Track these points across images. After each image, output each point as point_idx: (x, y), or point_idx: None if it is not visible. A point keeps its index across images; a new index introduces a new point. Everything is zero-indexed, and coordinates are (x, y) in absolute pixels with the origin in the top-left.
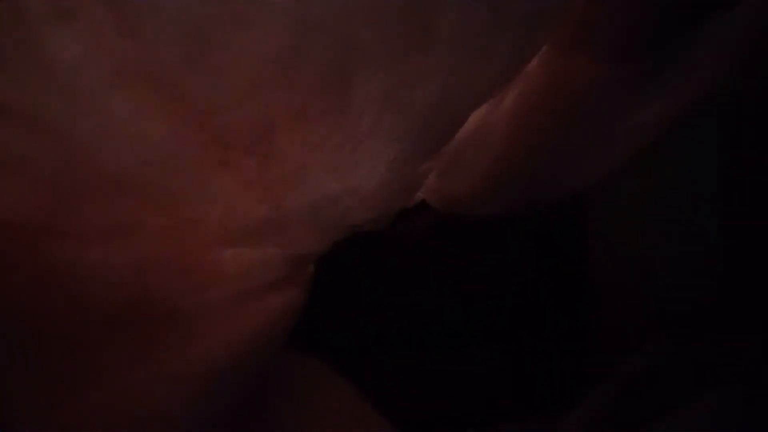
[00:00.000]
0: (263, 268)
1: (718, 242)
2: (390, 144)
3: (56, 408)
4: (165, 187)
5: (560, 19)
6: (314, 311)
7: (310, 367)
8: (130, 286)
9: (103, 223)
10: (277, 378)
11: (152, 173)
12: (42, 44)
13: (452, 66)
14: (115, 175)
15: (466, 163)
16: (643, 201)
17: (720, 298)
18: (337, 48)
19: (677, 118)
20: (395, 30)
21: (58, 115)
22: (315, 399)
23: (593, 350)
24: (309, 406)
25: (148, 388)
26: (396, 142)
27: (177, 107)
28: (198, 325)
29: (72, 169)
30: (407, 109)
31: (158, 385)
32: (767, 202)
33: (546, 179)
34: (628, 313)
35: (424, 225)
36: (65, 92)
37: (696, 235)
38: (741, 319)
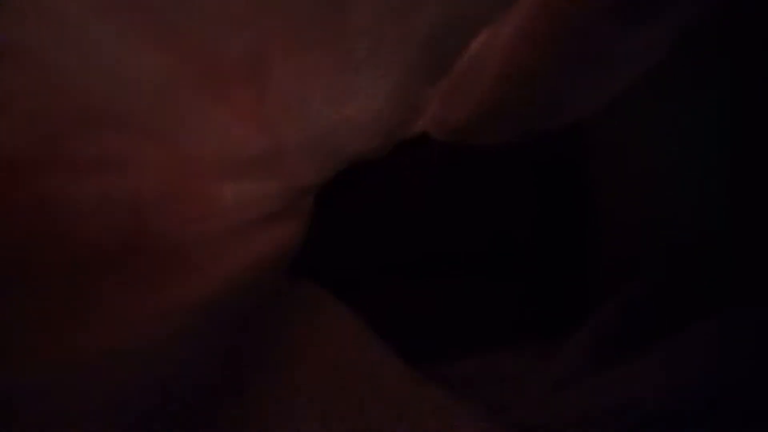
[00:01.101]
0: (262, 201)
1: (722, 169)
2: (388, 73)
3: (51, 344)
4: (158, 120)
5: None
6: (316, 242)
7: (310, 293)
8: (127, 219)
9: (96, 156)
10: (277, 304)
11: (144, 106)
12: None
13: None
14: (106, 108)
15: (466, 90)
16: (647, 128)
17: (723, 224)
18: None
19: (675, 42)
20: None
21: (42, 46)
22: (314, 323)
23: (597, 276)
24: (308, 331)
25: (144, 321)
26: (394, 71)
27: (168, 39)
28: (196, 258)
29: (60, 103)
30: (404, 36)
31: (155, 319)
32: None
33: (545, 105)
34: (631, 240)
35: (425, 156)
36: (51, 23)
37: (699, 162)
38: (744, 244)
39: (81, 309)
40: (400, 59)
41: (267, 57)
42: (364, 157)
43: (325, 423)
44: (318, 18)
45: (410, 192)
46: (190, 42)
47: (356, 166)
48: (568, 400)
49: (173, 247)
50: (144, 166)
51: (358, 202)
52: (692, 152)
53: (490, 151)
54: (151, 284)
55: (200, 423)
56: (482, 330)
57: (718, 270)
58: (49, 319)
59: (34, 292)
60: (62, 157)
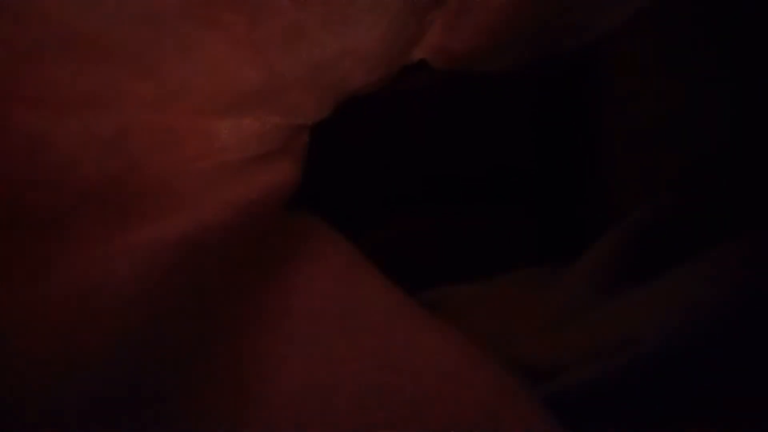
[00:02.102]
0: (260, 138)
1: (729, 102)
2: None
3: (23, 284)
4: (146, 51)
5: None
6: (313, 175)
7: (306, 226)
8: (114, 156)
9: (81, 91)
10: (274, 240)
11: (130, 36)
12: None
13: None
14: (89, 40)
15: (474, 14)
16: (653, 54)
17: (733, 152)
18: None
19: None
20: None
21: None
22: (310, 255)
23: (600, 204)
24: (304, 263)
25: (132, 257)
26: None
27: None
28: (189, 196)
29: (34, 33)
30: None
31: (143, 254)
32: None
33: (554, 27)
34: (635, 166)
35: (423, 82)
36: None
37: (707, 90)
38: (753, 172)
39: (63, 247)
40: None
41: None
42: (365, 90)
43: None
44: None
45: (408, 120)
46: None
47: (354, 97)
48: (570, 331)
49: (165, 185)
50: (133, 101)
51: (355, 131)
52: (698, 78)
53: (491, 76)
54: (136, 221)
55: (191, 363)
56: (483, 257)
57: (724, 199)
58: (24, 258)
59: (12, 230)
60: (44, 93)
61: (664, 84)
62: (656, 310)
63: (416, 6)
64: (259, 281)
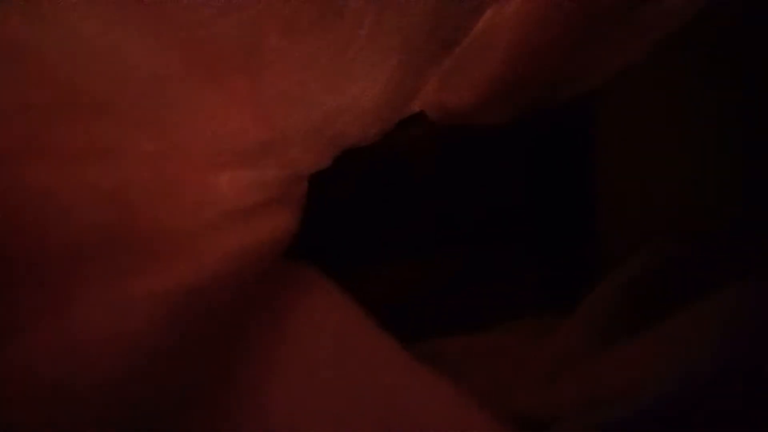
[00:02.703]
0: (258, 189)
1: (728, 146)
2: (389, 55)
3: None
4: (149, 109)
5: None
6: (311, 224)
7: (304, 276)
8: (116, 208)
9: (83, 145)
10: (272, 289)
11: (135, 95)
12: None
13: None
14: (94, 98)
15: (470, 70)
16: (654, 103)
17: (727, 204)
18: None
19: (686, 15)
20: None
21: (32, 38)
22: (309, 306)
23: (600, 251)
24: (303, 314)
25: (131, 309)
26: (395, 53)
27: (155, 22)
28: (187, 246)
29: (45, 92)
30: (406, 18)
31: (142, 306)
32: None
33: (551, 84)
34: (634, 215)
35: (420, 134)
36: (33, 12)
37: (705, 139)
38: (751, 219)
39: (63, 298)
40: (400, 42)
41: (261, 41)
42: (363, 142)
43: (318, 408)
44: (315, 1)
45: (405, 165)
46: (180, 27)
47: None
48: (566, 382)
49: (164, 235)
50: (134, 156)
51: (351, 178)
52: (700, 125)
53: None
54: (136, 272)
55: (190, 413)
56: (483, 305)
57: (722, 248)
58: (26, 308)
59: (12, 286)
60: (48, 147)
61: (660, 131)
62: (653, 362)
63: (412, 66)
64: (257, 330)
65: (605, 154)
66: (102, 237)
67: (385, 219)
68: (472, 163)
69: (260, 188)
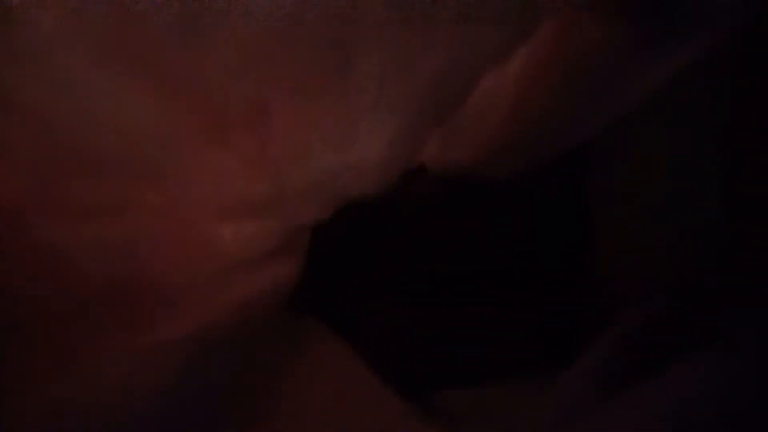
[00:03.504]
0: (261, 240)
1: (722, 200)
2: (392, 118)
3: (39, 389)
4: (159, 167)
5: None
6: (314, 276)
7: (308, 329)
8: (122, 261)
9: (92, 201)
10: (275, 340)
11: (143, 153)
12: (20, 25)
13: (459, 34)
14: (102, 155)
15: (472, 129)
16: (645, 160)
17: (724, 253)
18: (337, 20)
19: (681, 71)
20: (399, 3)
21: (39, 100)
22: (312, 360)
23: (598, 306)
24: (305, 367)
25: (137, 360)
26: (398, 116)
27: (167, 86)
28: (192, 297)
29: (54, 150)
30: (410, 82)
31: (147, 357)
32: None
33: (550, 138)
34: (632, 270)
35: (421, 188)
36: (46, 75)
37: (699, 193)
38: (742, 276)
39: (71, 351)
40: (404, 105)
41: (270, 104)
42: (365, 197)
43: None
44: (323, 66)
45: (405, 222)
46: (192, 90)
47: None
48: None
49: (168, 287)
50: (142, 211)
51: (355, 232)
52: (692, 181)
53: (488, 181)
54: (143, 324)
55: None
56: (484, 359)
57: (721, 297)
58: (37, 362)
59: (23, 340)
60: (58, 204)
61: (659, 187)
62: (658, 407)
63: (415, 128)
64: (262, 381)
65: (602, 202)
66: (108, 290)
67: (386, 270)
68: (472, 215)
69: (263, 239)
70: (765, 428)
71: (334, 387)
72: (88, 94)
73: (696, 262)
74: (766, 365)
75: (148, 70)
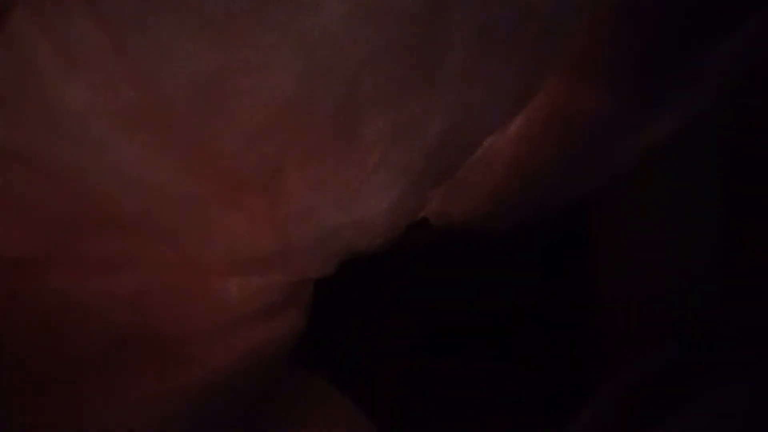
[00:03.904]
0: (266, 294)
1: (721, 249)
2: (397, 178)
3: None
4: (171, 224)
5: (566, 48)
6: (317, 328)
7: (310, 384)
8: (131, 313)
9: (106, 256)
10: (277, 394)
11: (158, 214)
12: (51, 93)
13: (461, 98)
14: (119, 215)
15: (471, 187)
16: (645, 211)
17: (723, 304)
18: (345, 91)
19: (679, 129)
20: (403, 68)
21: (62, 159)
22: (313, 415)
23: (600, 357)
24: (307, 423)
25: (140, 412)
26: (403, 176)
27: (186, 152)
28: (196, 350)
29: (74, 209)
30: (415, 144)
31: (151, 409)
32: None
33: (549, 195)
34: (633, 321)
35: (423, 239)
36: (72, 139)
37: (698, 242)
38: (744, 323)
39: (76, 402)
40: (408, 167)
41: (283, 168)
42: (367, 252)
43: None
44: (333, 132)
45: (407, 273)
46: (210, 155)
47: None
48: None
49: (172, 341)
50: (151, 266)
51: (355, 284)
52: (689, 232)
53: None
54: (148, 377)
55: None
56: (482, 410)
57: (722, 346)
58: (42, 414)
59: (32, 388)
60: (69, 258)
61: (660, 236)
62: None
63: (418, 187)
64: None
65: (602, 254)
66: (117, 340)
67: (387, 321)
68: (473, 266)
69: (267, 293)
70: None
71: None
72: (111, 156)
73: (698, 308)
74: (766, 414)
75: (168, 136)
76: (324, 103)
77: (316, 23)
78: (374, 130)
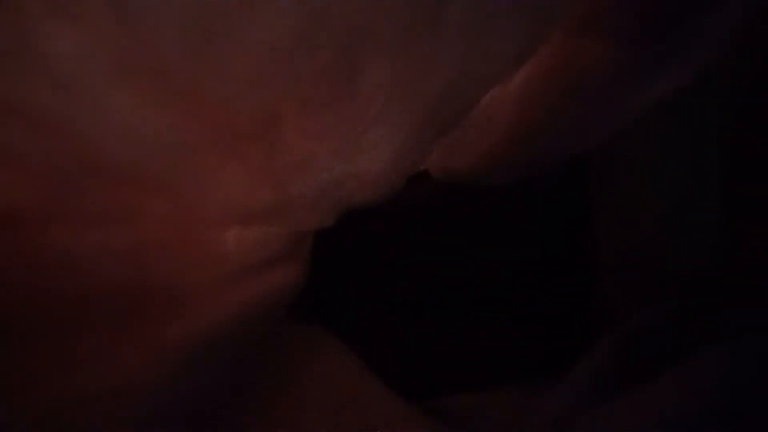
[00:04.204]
0: (264, 246)
1: (721, 204)
2: (397, 130)
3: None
4: (168, 175)
5: (571, 3)
6: (318, 281)
7: (310, 334)
8: (129, 267)
9: (102, 209)
10: (277, 345)
11: (153, 164)
12: (39, 39)
13: (464, 50)
14: (115, 166)
15: (472, 141)
16: (645, 167)
17: (723, 258)
18: (345, 35)
19: (681, 87)
20: (405, 15)
21: (55, 110)
22: (314, 364)
23: (600, 313)
24: (307, 372)
25: (141, 363)
26: (403, 129)
27: (179, 100)
28: (195, 302)
29: (70, 162)
30: (416, 96)
31: (152, 360)
32: None
33: (550, 150)
34: (632, 277)
35: (424, 192)
36: (63, 87)
37: (698, 198)
38: (743, 279)
39: (75, 355)
40: (410, 117)
41: (280, 116)
42: (367, 205)
43: None
44: (331, 80)
45: (408, 228)
46: (204, 103)
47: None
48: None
49: (173, 291)
50: (148, 219)
51: (356, 239)
52: (689, 188)
53: (489, 187)
54: (147, 328)
55: None
56: (483, 365)
57: (721, 300)
58: (39, 362)
59: (27, 341)
60: (67, 211)
61: (660, 193)
62: (654, 410)
63: (419, 140)
64: (264, 385)
65: (601, 217)
66: (113, 293)
67: (387, 276)
68: (473, 221)
69: (265, 245)
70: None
71: (337, 392)
72: (106, 109)
73: (696, 266)
74: (766, 368)
75: (161, 83)
76: (322, 48)
77: None
78: (374, 79)
